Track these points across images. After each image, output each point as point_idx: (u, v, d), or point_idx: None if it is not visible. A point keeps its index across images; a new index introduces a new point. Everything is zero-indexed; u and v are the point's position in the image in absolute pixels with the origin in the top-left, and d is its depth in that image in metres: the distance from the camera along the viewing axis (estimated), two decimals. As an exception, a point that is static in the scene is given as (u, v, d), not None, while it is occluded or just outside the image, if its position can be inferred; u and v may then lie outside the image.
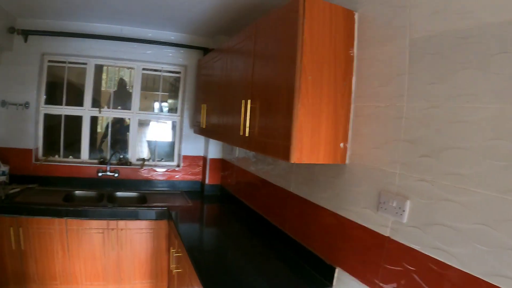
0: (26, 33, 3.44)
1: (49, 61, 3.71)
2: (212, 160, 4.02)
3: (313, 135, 1.69)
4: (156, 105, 4.21)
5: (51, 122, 3.82)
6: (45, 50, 3.58)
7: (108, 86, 4.19)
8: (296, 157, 1.64)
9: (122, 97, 4.05)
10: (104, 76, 4.04)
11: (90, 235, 3.18)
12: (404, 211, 1.46)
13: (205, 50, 3.90)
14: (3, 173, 3.34)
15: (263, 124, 1.96)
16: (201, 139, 4.10)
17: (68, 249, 3.15)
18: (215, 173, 4.04)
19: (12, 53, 3.48)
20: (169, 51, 3.92)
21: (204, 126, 3.25)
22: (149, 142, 4.26)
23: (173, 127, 4.28)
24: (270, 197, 2.80)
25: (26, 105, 3.52)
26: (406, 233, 1.46)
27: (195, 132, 3.71)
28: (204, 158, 4.13)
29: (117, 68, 3.99)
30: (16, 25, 3.45)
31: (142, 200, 3.67)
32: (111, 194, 3.65)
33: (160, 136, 4.25)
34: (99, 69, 3.98)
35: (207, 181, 4.03)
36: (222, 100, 2.77)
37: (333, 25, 1.72)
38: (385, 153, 1.58)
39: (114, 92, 4.02)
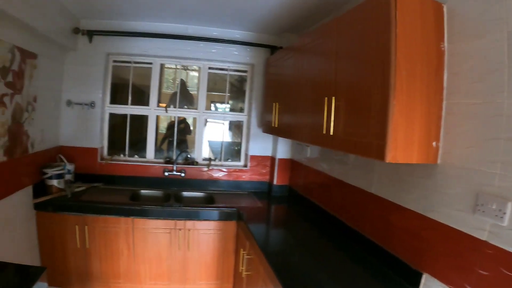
0: (90, 34, 3.46)
1: (114, 61, 3.72)
2: (281, 160, 3.80)
3: (407, 133, 1.60)
4: (218, 105, 4.12)
5: (115, 122, 3.82)
6: (110, 50, 3.59)
7: (166, 87, 4.17)
8: (391, 156, 1.56)
9: (184, 97, 3.98)
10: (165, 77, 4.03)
11: (157, 235, 3.07)
12: (505, 213, 1.36)
13: (272, 49, 3.74)
14: (69, 172, 3.34)
15: (349, 123, 1.87)
16: (268, 139, 3.92)
17: (134, 249, 3.06)
18: (284, 174, 3.83)
19: (77, 54, 3.51)
20: (235, 50, 3.78)
21: (275, 125, 3.09)
22: (212, 142, 4.15)
23: (232, 127, 4.16)
24: (346, 198, 2.65)
25: (91, 104, 3.52)
26: (506, 237, 1.35)
27: (265, 131, 3.53)
28: (272, 158, 3.92)
29: (175, 70, 3.93)
30: (81, 26, 3.49)
31: (209, 200, 3.53)
32: (177, 194, 3.55)
33: (221, 136, 4.13)
34: (162, 69, 3.96)
35: (275, 182, 3.82)
36: (297, 98, 2.64)
37: (424, 18, 1.64)
38: (483, 153, 1.48)
39: (174, 93, 3.95)
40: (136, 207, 3.03)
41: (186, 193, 3.64)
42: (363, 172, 2.42)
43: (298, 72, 2.67)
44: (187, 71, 4.15)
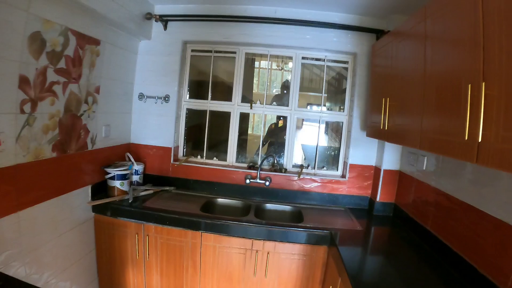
0: (165, 20, 3.10)
1: (193, 50, 3.31)
2: (387, 172, 2.98)
3: None
4: (315, 108, 3.46)
5: (192, 119, 3.41)
6: (187, 38, 3.17)
7: (261, 89, 3.65)
8: None
9: (280, 98, 3.43)
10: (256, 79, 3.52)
11: (229, 254, 2.55)
12: None
13: (378, 34, 2.96)
14: (136, 172, 3.00)
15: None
16: (372, 145, 3.12)
17: (200, 267, 2.58)
18: (389, 189, 2.99)
19: (150, 42, 3.18)
20: (333, 35, 3.07)
21: (384, 128, 2.37)
22: (305, 146, 3.52)
23: (328, 129, 3.45)
24: (480, 233, 1.85)
25: (166, 98, 3.16)
26: None
27: (369, 135, 2.78)
28: (375, 169, 3.11)
29: (269, 70, 3.37)
30: (154, 11, 3.16)
31: (296, 216, 2.92)
32: (259, 206, 2.99)
33: (314, 140, 3.47)
34: (249, 64, 3.45)
35: (378, 198, 2.99)
36: (416, 93, 1.94)
37: None
38: None
39: (276, 95, 3.40)
40: (207, 220, 2.53)
41: (269, 206, 3.05)
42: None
43: (417, 60, 1.93)
44: (283, 70, 3.56)
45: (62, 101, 2.25)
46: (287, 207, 3.04)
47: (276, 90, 3.51)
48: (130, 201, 2.65)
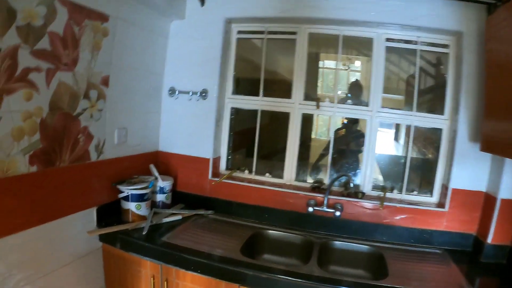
0: (203, -8, 2.40)
1: (239, 32, 2.56)
2: (506, 202, 1.96)
3: None
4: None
5: (238, 122, 2.66)
6: (231, 14, 2.42)
7: (325, 91, 2.82)
8: None
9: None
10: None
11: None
12: None
13: (490, 5, 1.97)
14: (162, 191, 2.32)
15: None
16: (484, 163, 2.10)
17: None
18: (506, 225, 1.99)
19: (184, 23, 2.48)
20: (428, 8, 2.12)
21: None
22: (381, 157, 2.58)
23: (415, 138, 2.46)
24: None
25: (203, 94, 2.44)
26: None
27: (487, 149, 1.82)
28: (487, 197, 2.09)
29: (335, 70, 2.47)
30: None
31: (376, 263, 2.04)
32: (325, 245, 2.14)
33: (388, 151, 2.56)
34: (313, 58, 2.64)
35: (489, 239, 1.98)
36: None
37: None
38: None
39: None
40: (249, 271, 1.72)
41: (339, 244, 2.18)
42: None
43: None
44: (349, 70, 2.70)
45: (46, 95, 1.63)
46: (363, 247, 2.14)
47: (341, 92, 2.59)
48: (144, 233, 1.96)
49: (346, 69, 2.68)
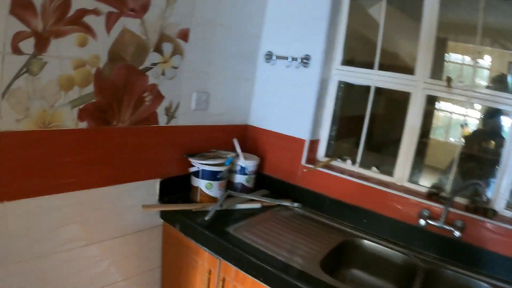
0: None
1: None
2: None
3: None
4: None
5: (345, 100, 2.10)
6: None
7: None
8: None
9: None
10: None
11: None
12: None
13: None
14: (243, 171, 1.96)
15: None
16: None
17: None
18: None
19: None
20: None
21: None
22: None
23: None
24: None
25: (304, 60, 1.97)
26: None
27: None
28: None
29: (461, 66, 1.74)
30: None
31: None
32: (432, 272, 1.54)
33: None
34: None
35: None
36: None
37: None
38: None
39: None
40: None
41: (452, 274, 1.53)
42: None
43: None
44: (475, 66, 1.89)
45: (105, 42, 1.41)
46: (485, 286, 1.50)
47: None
48: (206, 218, 1.65)
49: (473, 64, 1.89)
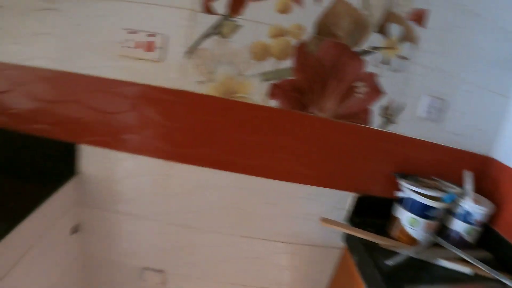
0: None
1: None
2: None
3: None
4: None
5: None
6: None
7: None
8: None
9: None
10: None
11: None
12: None
13: None
14: (465, 217, 1.28)
15: None
16: None
17: None
18: None
19: None
20: None
21: None
22: None
23: None
24: None
25: None
26: None
27: None
28: None
29: None
30: None
31: None
32: None
33: None
34: None
35: None
36: None
37: None
38: None
39: None
40: None
41: None
42: None
43: None
44: None
45: (313, 11, 1.21)
46: None
47: None
48: (389, 263, 1.18)
49: None
